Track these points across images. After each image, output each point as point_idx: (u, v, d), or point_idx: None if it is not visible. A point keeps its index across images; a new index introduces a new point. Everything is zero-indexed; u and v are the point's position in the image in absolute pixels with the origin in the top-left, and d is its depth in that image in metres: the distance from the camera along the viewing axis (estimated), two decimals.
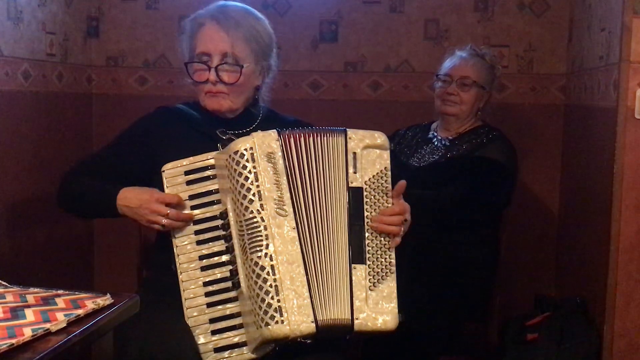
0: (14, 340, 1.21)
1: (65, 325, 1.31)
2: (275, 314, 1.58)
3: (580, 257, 2.74)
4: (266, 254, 1.62)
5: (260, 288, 1.60)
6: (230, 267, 1.71)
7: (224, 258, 1.72)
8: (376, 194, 1.71)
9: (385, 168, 1.72)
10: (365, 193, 1.70)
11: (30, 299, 1.45)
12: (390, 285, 1.67)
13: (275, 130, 1.72)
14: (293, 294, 1.60)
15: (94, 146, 3.27)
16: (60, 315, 1.34)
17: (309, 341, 1.63)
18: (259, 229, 1.63)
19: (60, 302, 1.43)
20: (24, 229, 2.81)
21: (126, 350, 1.67)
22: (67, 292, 1.49)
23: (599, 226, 2.42)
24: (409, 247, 1.79)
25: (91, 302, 1.42)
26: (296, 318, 1.59)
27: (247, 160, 1.67)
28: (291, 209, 1.66)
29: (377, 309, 1.65)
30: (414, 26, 3.15)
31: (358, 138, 1.73)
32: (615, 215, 2.25)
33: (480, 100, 2.62)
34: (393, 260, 1.70)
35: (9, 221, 2.72)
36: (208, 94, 1.88)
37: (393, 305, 1.66)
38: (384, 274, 1.68)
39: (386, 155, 1.73)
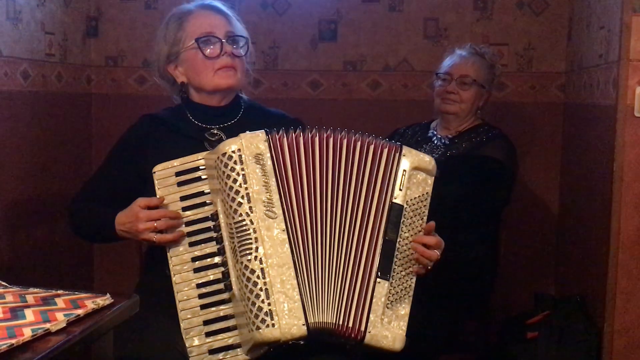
0: (13, 341, 1.21)
1: (65, 325, 1.31)
2: (266, 318, 1.57)
3: (579, 255, 2.74)
4: (256, 257, 1.61)
5: (251, 292, 1.59)
6: (222, 268, 1.69)
7: (217, 259, 1.71)
8: (413, 216, 1.72)
9: (427, 193, 1.74)
10: (404, 212, 1.71)
11: (30, 299, 1.45)
12: (405, 308, 1.68)
13: (263, 130, 1.71)
14: (284, 297, 1.59)
15: (94, 146, 3.28)
16: (60, 315, 1.34)
17: (302, 342, 1.61)
18: (248, 232, 1.62)
19: (60, 302, 1.42)
20: (23, 229, 2.81)
21: (120, 350, 1.67)
22: (67, 292, 1.49)
23: (598, 224, 2.42)
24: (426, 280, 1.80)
25: (91, 302, 1.42)
26: (287, 322, 1.57)
27: (235, 162, 1.65)
28: (280, 211, 1.64)
29: (389, 327, 1.65)
30: (413, 25, 3.15)
31: (411, 157, 1.73)
32: (615, 213, 2.25)
33: (480, 98, 2.62)
34: (413, 285, 1.71)
35: (9, 221, 2.72)
36: (222, 69, 1.90)
37: (404, 328, 1.67)
38: (402, 295, 1.69)
39: (430, 181, 1.75)
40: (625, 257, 2.23)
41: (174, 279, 1.72)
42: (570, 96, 3.02)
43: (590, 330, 2.38)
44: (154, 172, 1.76)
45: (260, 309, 1.58)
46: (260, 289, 1.59)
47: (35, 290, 1.51)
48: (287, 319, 1.57)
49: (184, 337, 1.69)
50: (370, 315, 1.64)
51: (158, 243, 1.73)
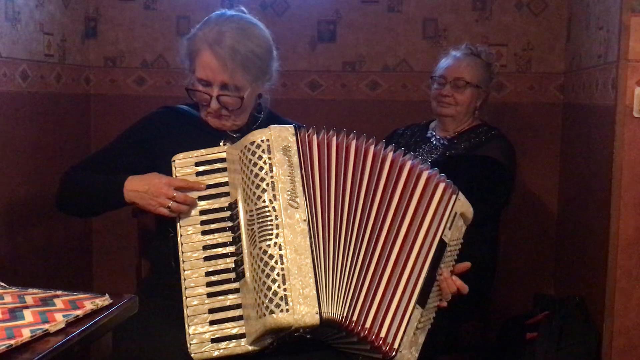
0: (12, 341, 1.21)
1: (64, 326, 1.31)
2: (280, 302, 1.57)
3: (579, 255, 2.74)
4: (275, 242, 1.62)
5: (267, 276, 1.60)
6: (234, 258, 1.70)
7: (229, 249, 1.72)
8: (450, 256, 1.79)
9: (460, 239, 1.82)
10: (445, 251, 1.77)
11: (29, 299, 1.45)
12: (423, 337, 1.74)
13: (292, 125, 1.75)
14: (300, 284, 1.60)
15: (92, 147, 3.27)
16: (59, 316, 1.34)
17: (308, 336, 1.62)
18: (269, 218, 1.64)
19: (59, 303, 1.43)
20: (22, 230, 2.81)
21: (120, 351, 1.67)
22: (65, 292, 1.49)
23: (597, 224, 2.42)
24: None
25: (90, 303, 1.42)
26: (301, 308, 1.58)
27: (263, 151, 1.69)
28: (303, 202, 1.66)
29: (411, 352, 1.70)
30: (412, 25, 3.15)
31: (461, 202, 1.81)
32: (614, 213, 2.25)
33: (477, 99, 2.61)
34: (432, 320, 1.77)
35: (8, 222, 2.71)
36: (210, 114, 1.91)
37: (417, 355, 1.73)
38: (425, 324, 1.75)
39: (464, 229, 1.83)
40: (624, 257, 2.23)
41: (182, 265, 1.72)
42: (569, 97, 3.02)
43: (590, 331, 2.38)
44: (174, 161, 1.79)
45: (275, 293, 1.58)
46: (277, 274, 1.59)
47: (34, 290, 1.51)
48: (301, 305, 1.58)
49: (187, 324, 1.68)
50: (404, 337, 1.67)
51: (171, 208, 1.74)
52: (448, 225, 1.76)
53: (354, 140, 1.75)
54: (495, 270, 2.60)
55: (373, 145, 1.76)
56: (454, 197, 1.79)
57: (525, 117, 3.13)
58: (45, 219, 2.93)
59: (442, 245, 1.75)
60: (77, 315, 1.35)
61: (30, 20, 2.79)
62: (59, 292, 1.50)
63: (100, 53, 3.30)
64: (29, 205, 2.84)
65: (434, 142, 2.64)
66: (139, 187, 1.78)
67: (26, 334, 1.25)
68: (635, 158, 2.21)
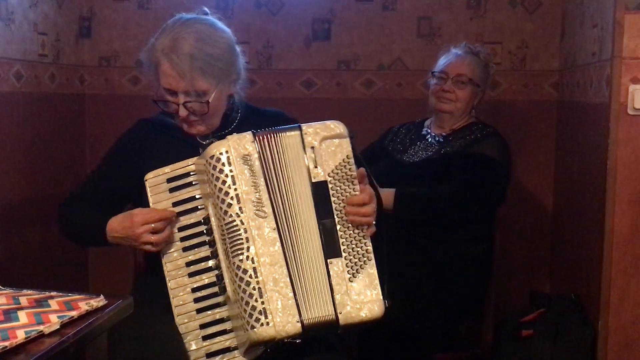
0: (7, 343, 1.21)
1: (58, 327, 1.30)
2: (260, 317, 1.58)
3: (574, 253, 2.75)
4: (247, 256, 1.62)
5: (244, 291, 1.60)
6: (216, 272, 1.71)
7: (210, 263, 1.73)
8: (342, 184, 1.69)
9: (347, 156, 1.69)
10: (330, 185, 1.68)
11: (24, 301, 1.45)
12: (370, 273, 1.66)
13: (250, 132, 1.71)
14: (277, 295, 1.60)
15: (87, 147, 3.27)
16: (53, 317, 1.33)
17: (298, 341, 1.62)
18: (239, 232, 1.63)
19: (54, 304, 1.42)
20: (17, 230, 2.80)
21: (117, 351, 1.67)
22: (60, 293, 1.49)
23: (592, 222, 2.42)
24: (385, 233, 1.76)
25: (85, 304, 1.42)
26: (281, 319, 1.59)
27: (224, 164, 1.66)
28: (270, 210, 1.65)
29: (360, 299, 1.63)
30: (407, 24, 3.15)
31: (314, 132, 1.70)
32: (608, 210, 2.25)
33: (475, 97, 2.62)
34: (370, 248, 1.68)
35: (2, 222, 2.71)
36: (182, 121, 1.86)
37: (376, 292, 1.65)
38: (362, 263, 1.66)
39: (346, 143, 1.70)
40: (619, 254, 2.24)
41: (169, 284, 1.74)
42: (564, 94, 3.02)
43: (585, 328, 2.38)
44: (146, 180, 1.78)
45: (254, 308, 1.59)
46: (254, 288, 1.60)
47: (29, 292, 1.51)
48: (281, 316, 1.58)
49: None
50: (336, 297, 1.63)
51: (155, 243, 1.73)
52: (312, 164, 1.68)
53: (277, 132, 1.71)
54: (491, 268, 2.61)
55: None
56: (298, 135, 1.69)
57: (520, 114, 3.13)
58: (40, 219, 2.92)
59: (320, 186, 1.67)
60: (72, 317, 1.35)
61: (24, 20, 2.78)
62: (53, 293, 1.49)
63: (95, 53, 3.29)
64: (24, 206, 2.83)
65: (429, 140, 2.64)
66: (118, 233, 1.79)
67: (21, 335, 1.25)
68: (629, 155, 2.22)
